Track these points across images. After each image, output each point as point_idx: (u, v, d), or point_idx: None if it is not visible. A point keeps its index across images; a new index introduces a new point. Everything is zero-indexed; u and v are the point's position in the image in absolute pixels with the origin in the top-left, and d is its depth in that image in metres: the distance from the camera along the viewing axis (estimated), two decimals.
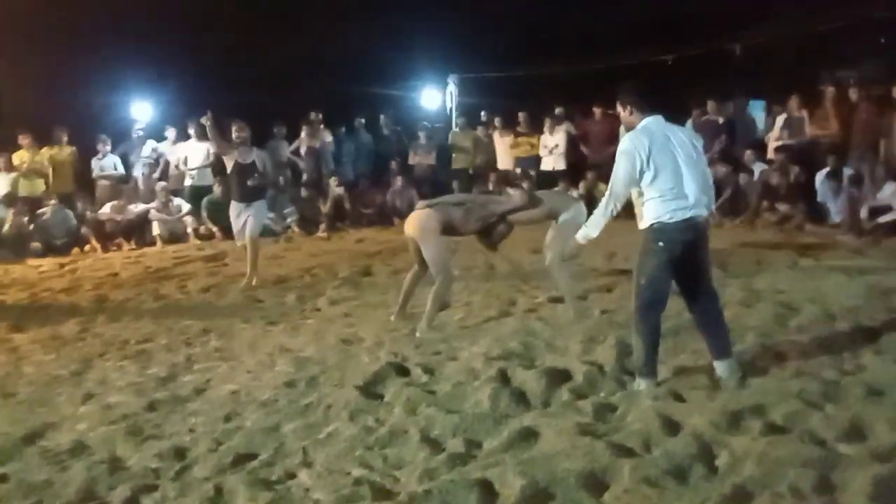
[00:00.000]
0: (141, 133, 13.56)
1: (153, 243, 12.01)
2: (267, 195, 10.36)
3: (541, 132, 13.48)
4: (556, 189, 9.27)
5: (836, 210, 10.35)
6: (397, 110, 15.71)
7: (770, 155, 11.77)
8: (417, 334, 5.78)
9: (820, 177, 10.67)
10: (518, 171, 13.45)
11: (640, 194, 4.28)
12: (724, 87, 13.38)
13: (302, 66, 16.33)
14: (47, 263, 10.64)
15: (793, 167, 10.99)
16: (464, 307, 6.70)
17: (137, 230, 12.17)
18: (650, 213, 4.26)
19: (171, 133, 13.43)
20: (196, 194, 12.81)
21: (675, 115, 5.87)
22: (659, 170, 4.19)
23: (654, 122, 4.32)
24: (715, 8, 15.09)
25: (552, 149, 13.28)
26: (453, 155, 14.39)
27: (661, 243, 4.22)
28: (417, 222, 5.93)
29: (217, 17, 15.95)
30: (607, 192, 4.32)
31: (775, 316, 5.74)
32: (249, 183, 8.25)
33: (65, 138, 12.78)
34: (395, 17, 16.40)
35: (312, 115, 13.73)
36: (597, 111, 13.52)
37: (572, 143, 13.42)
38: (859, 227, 9.49)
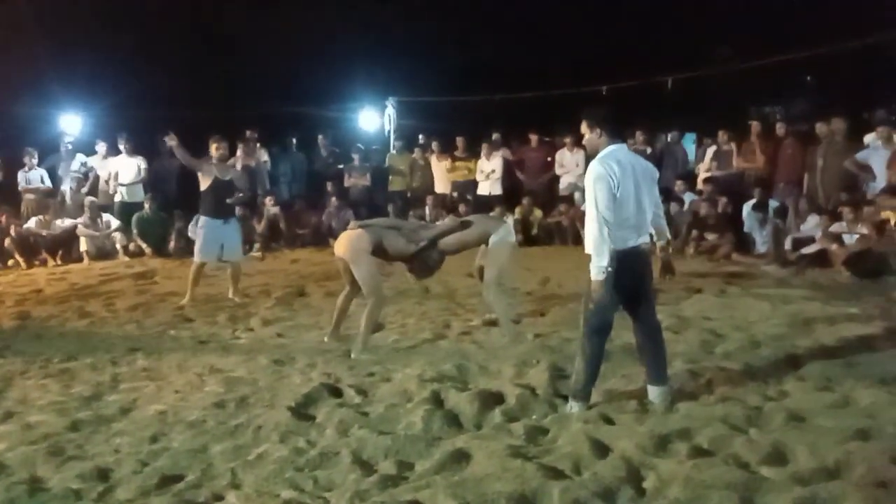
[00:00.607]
0: (70, 146, 13.26)
1: (80, 260, 11.71)
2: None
3: (478, 157, 13.60)
4: (491, 214, 9.35)
5: (761, 241, 10.65)
6: (336, 131, 15.68)
7: (699, 186, 12.08)
8: (353, 356, 5.74)
9: (747, 208, 10.97)
10: (455, 195, 13.56)
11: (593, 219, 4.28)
12: (656, 119, 13.73)
13: (240, 84, 16.22)
14: None
15: (721, 198, 11.31)
16: (398, 329, 6.69)
17: (64, 246, 11.84)
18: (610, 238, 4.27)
19: (101, 147, 13.17)
20: (126, 210, 12.56)
21: None
22: (622, 198, 4.25)
23: (619, 149, 4.38)
24: (649, 43, 15.54)
25: (489, 174, 13.41)
26: (390, 177, 14.41)
27: (611, 269, 4.25)
28: (348, 242, 5.91)
29: (153, 32, 15.76)
30: (594, 221, 4.21)
31: (702, 343, 5.89)
32: (228, 200, 8.22)
33: None
34: (336, 38, 16.44)
35: (248, 134, 13.60)
36: (533, 138, 13.74)
37: (508, 169, 13.57)
38: (784, 258, 9.77)
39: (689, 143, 14.35)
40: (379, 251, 5.97)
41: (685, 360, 5.36)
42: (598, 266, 4.20)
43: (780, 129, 11.83)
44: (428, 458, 3.79)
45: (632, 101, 13.75)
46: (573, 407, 4.41)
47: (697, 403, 4.49)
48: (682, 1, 17.00)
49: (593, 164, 4.33)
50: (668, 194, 11.93)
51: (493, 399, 4.59)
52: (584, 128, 4.48)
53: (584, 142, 4.56)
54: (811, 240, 9.78)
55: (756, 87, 16.01)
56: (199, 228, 8.33)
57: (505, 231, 6.30)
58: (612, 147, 4.36)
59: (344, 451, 3.87)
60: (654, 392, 4.52)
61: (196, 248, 8.35)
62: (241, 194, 8.36)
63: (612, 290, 4.29)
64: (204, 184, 8.18)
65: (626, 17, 16.42)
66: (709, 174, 12.08)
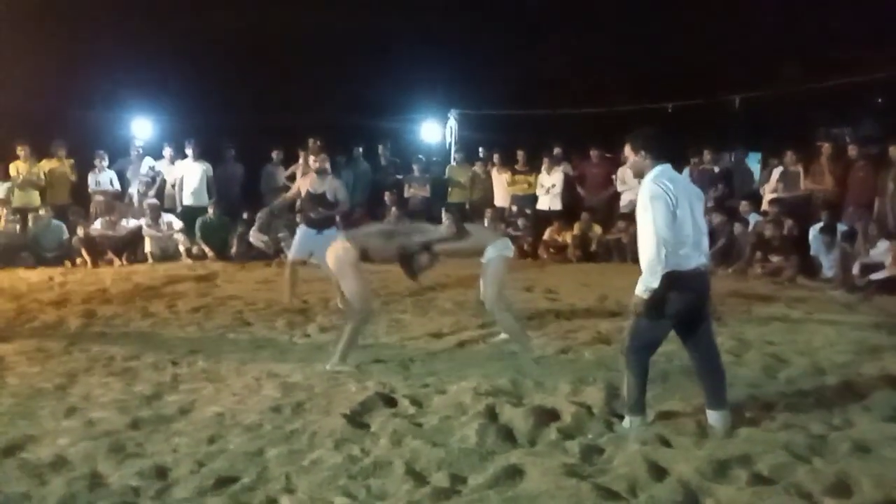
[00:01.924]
0: (140, 150, 13.58)
1: (145, 260, 11.99)
2: (261, 219, 10.45)
3: (538, 171, 13.56)
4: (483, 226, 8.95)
5: (828, 265, 10.39)
6: (398, 142, 15.80)
7: (765, 207, 11.86)
8: (327, 367, 5.70)
9: (813, 231, 10.73)
10: (514, 208, 13.53)
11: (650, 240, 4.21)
12: (721, 139, 13.54)
13: (306, 93, 16.46)
14: (37, 275, 10.60)
15: (787, 220, 11.07)
16: (455, 341, 6.68)
17: (129, 246, 12.14)
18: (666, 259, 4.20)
19: (168, 152, 13.48)
20: (190, 214, 12.82)
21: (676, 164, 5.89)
22: (681, 217, 4.18)
23: (668, 169, 4.32)
24: (717, 62, 15.32)
25: (549, 188, 13.35)
26: (450, 189, 14.44)
27: (673, 291, 4.19)
28: (334, 255, 5.85)
29: (222, 40, 16.09)
30: (651, 241, 4.14)
31: (764, 367, 5.76)
32: (312, 214, 8.36)
33: (62, 152, 12.81)
34: (401, 51, 16.57)
35: (311, 142, 13.77)
36: (594, 154, 13.64)
37: (569, 184, 13.49)
38: (851, 283, 9.53)
39: (754, 163, 14.11)
40: (365, 256, 5.92)
41: (746, 384, 5.25)
42: (648, 285, 4.15)
43: (851, 150, 11.53)
44: (481, 472, 3.76)
45: (697, 120, 13.60)
46: (632, 422, 4.36)
47: (759, 429, 4.38)
48: (749, 19, 16.75)
49: (646, 183, 4.27)
50: (732, 214, 11.76)
51: (548, 415, 4.54)
52: (627, 150, 4.45)
53: (628, 165, 4.53)
54: (880, 265, 9.53)
55: (824, 108, 15.69)
56: (297, 233, 8.61)
57: (502, 245, 6.21)
58: (660, 167, 4.30)
59: (397, 461, 3.87)
60: (713, 417, 4.42)
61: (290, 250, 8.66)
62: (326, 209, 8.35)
63: (673, 311, 4.24)
64: (302, 192, 8.39)
65: (692, 34, 16.22)
66: (775, 195, 11.84)
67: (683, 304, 4.26)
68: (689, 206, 4.24)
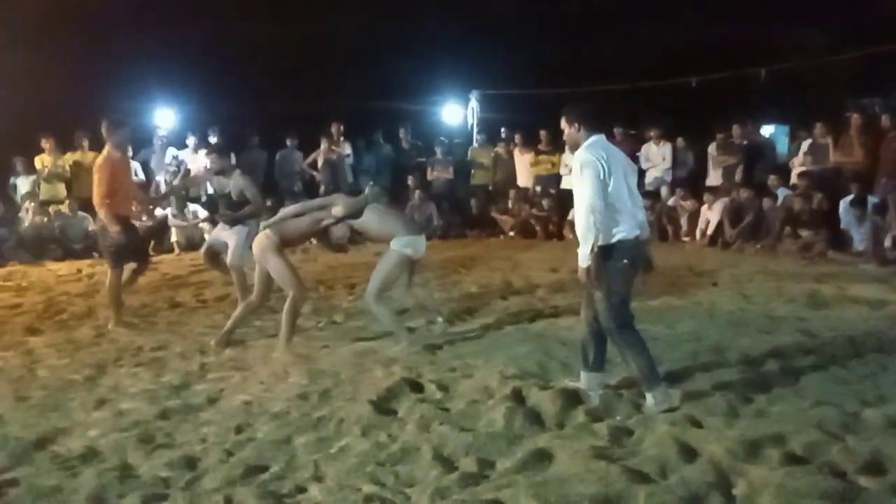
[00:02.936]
0: (163, 140, 13.64)
1: (171, 250, 12.06)
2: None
3: (561, 151, 13.44)
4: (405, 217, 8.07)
5: (859, 238, 10.24)
6: (419, 125, 15.75)
7: (793, 180, 11.68)
8: (275, 354, 5.74)
9: (844, 204, 10.56)
10: (538, 188, 13.44)
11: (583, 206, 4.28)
12: (747, 112, 13.32)
13: (324, 77, 16.43)
14: (65, 267, 10.70)
15: (816, 194, 10.90)
16: (480, 324, 6.65)
17: (156, 236, 12.21)
18: (612, 229, 4.28)
19: (191, 141, 13.51)
20: (215, 202, 12.84)
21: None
22: (615, 185, 4.27)
23: (601, 139, 4.43)
24: (741, 34, 15.05)
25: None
26: (472, 171, 14.39)
27: (625, 260, 4.30)
28: (258, 245, 5.93)
29: (241, 28, 16.09)
30: (585, 209, 4.21)
31: (796, 344, 5.68)
32: (218, 217, 7.98)
33: (86, 143, 12.87)
34: (420, 32, 16.46)
35: (334, 127, 13.77)
36: (617, 132, 13.49)
37: None
38: (883, 257, 9.38)
39: (782, 137, 13.88)
40: (287, 242, 6.02)
41: (777, 361, 5.18)
42: (584, 254, 4.21)
43: (884, 121, 11.28)
44: (509, 456, 3.74)
45: (723, 93, 13.39)
46: (655, 396, 4.35)
47: (790, 407, 4.32)
48: None
49: (579, 152, 4.38)
50: (761, 189, 11.61)
51: (575, 398, 4.51)
52: (563, 123, 4.55)
53: (564, 137, 4.61)
54: None
55: (853, 79, 15.37)
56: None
57: (408, 242, 6.00)
58: (594, 138, 4.40)
59: (425, 446, 3.85)
60: (595, 378, 4.61)
61: None
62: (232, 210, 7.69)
63: (632, 280, 4.39)
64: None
65: (715, 6, 15.94)
66: (803, 168, 11.65)
67: (633, 273, 4.38)
68: (624, 177, 4.34)
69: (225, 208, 7.56)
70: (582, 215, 4.24)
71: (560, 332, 6.24)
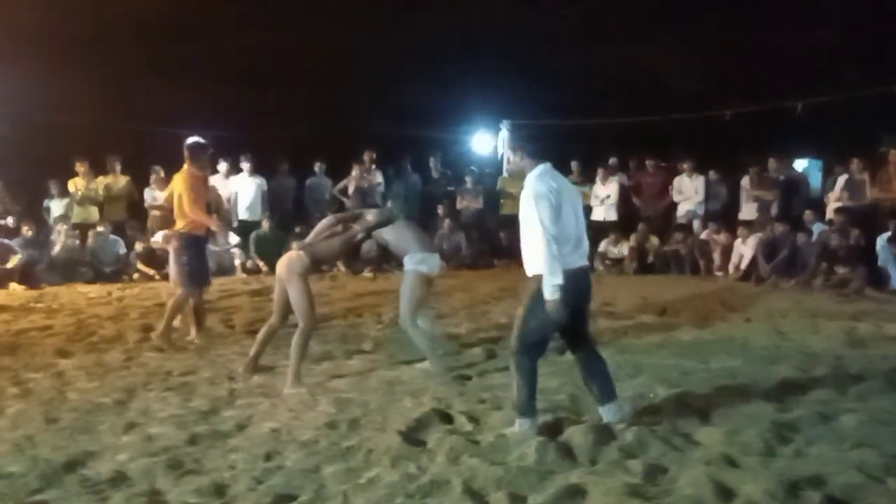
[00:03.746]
0: None
1: None
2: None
3: (593, 182, 13.40)
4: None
5: None
6: (449, 154, 15.78)
7: (829, 216, 11.54)
8: (285, 391, 5.59)
9: (881, 241, 10.40)
10: None
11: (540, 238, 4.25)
12: (780, 146, 13.21)
13: (356, 104, 16.55)
14: (96, 290, 10.79)
15: (853, 230, 10.74)
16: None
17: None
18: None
19: (222, 167, 13.60)
20: (245, 228, 12.93)
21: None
22: (564, 215, 4.27)
23: (549, 168, 4.41)
24: (777, 67, 14.96)
25: (604, 199, 13.20)
26: (502, 200, 14.37)
27: (568, 289, 4.22)
28: (286, 264, 5.82)
29: (273, 54, 16.28)
30: (542, 238, 4.18)
31: (833, 382, 5.54)
32: None
33: (118, 167, 13.02)
34: (452, 61, 16.55)
35: (366, 155, 13.82)
36: (649, 164, 13.44)
37: (624, 195, 13.31)
38: None
39: (816, 171, 13.74)
40: (318, 263, 6.01)
41: (815, 400, 5.06)
42: (553, 284, 4.15)
43: None
44: (541, 491, 3.66)
45: (758, 127, 13.29)
46: (521, 424, 4.38)
47: (829, 447, 4.20)
48: (810, 23, 16.36)
49: (529, 182, 4.36)
50: (795, 223, 11.47)
51: (608, 433, 4.41)
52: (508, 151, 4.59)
53: (509, 165, 4.63)
54: None
55: (888, 114, 15.22)
56: None
57: (421, 259, 5.99)
58: (541, 167, 4.38)
59: (455, 479, 3.78)
60: (606, 411, 4.54)
61: None
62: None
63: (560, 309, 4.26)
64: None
65: (750, 39, 15.88)
66: (840, 204, 11.50)
67: (574, 301, 4.29)
68: (572, 206, 4.37)
69: None
70: (539, 246, 4.21)
71: (449, 371, 6.09)
